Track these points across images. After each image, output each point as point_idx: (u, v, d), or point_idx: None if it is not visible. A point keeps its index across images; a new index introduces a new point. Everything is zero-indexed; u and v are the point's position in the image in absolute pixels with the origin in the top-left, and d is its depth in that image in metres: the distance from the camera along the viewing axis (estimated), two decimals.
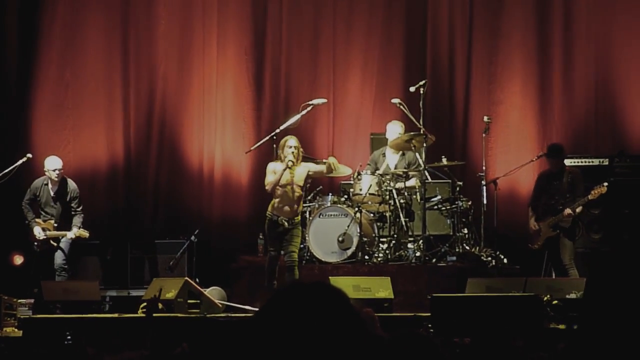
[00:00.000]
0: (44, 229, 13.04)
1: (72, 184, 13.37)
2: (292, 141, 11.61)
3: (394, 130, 13.37)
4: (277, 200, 11.55)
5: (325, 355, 2.46)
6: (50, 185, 13.24)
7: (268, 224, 11.65)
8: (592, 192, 12.27)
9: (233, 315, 11.44)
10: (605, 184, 12.24)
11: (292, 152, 11.49)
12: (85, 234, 13.06)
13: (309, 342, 2.46)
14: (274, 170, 11.59)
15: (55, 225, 13.09)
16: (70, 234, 13.01)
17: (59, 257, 13.01)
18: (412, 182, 13.08)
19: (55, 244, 13.02)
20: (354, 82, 15.22)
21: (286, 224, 11.52)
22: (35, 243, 13.06)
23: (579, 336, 2.84)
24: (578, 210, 12.43)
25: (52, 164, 13.23)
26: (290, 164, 11.48)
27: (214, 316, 11.15)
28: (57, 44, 15.25)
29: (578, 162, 13.45)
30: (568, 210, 12.40)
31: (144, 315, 11.18)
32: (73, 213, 13.20)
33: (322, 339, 2.47)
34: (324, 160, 13.08)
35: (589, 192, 12.31)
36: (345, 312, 2.53)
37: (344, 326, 2.51)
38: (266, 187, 11.65)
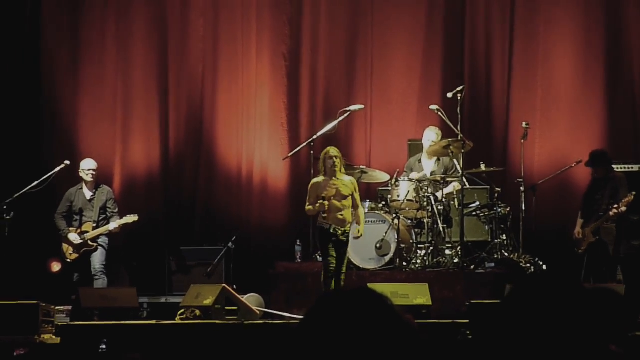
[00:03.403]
0: (80, 233, 13.09)
1: (106, 187, 13.48)
2: (332, 151, 11.56)
3: (429, 136, 13.28)
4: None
5: None
6: (85, 190, 13.30)
7: (320, 233, 11.60)
8: (622, 201, 12.15)
9: (271, 322, 11.41)
10: (634, 192, 12.12)
11: (335, 162, 11.43)
12: (132, 218, 13.12)
13: (354, 349, 2.43)
14: (315, 188, 11.53)
15: (94, 225, 13.14)
16: (112, 225, 13.06)
17: (96, 261, 13.04)
18: (450, 189, 13.02)
19: (94, 245, 13.07)
20: (391, 87, 15.11)
21: (339, 232, 11.46)
22: (70, 252, 13.10)
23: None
24: (612, 213, 12.24)
25: (86, 165, 13.34)
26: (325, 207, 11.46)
27: (251, 323, 11.13)
28: (97, 57, 15.38)
29: (617, 167, 13.27)
30: (613, 211, 12.25)
31: (181, 322, 11.21)
32: (110, 215, 13.24)
33: (367, 345, 2.43)
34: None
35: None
36: (390, 317, 2.49)
37: (388, 332, 2.47)
38: (306, 210, 11.72)
